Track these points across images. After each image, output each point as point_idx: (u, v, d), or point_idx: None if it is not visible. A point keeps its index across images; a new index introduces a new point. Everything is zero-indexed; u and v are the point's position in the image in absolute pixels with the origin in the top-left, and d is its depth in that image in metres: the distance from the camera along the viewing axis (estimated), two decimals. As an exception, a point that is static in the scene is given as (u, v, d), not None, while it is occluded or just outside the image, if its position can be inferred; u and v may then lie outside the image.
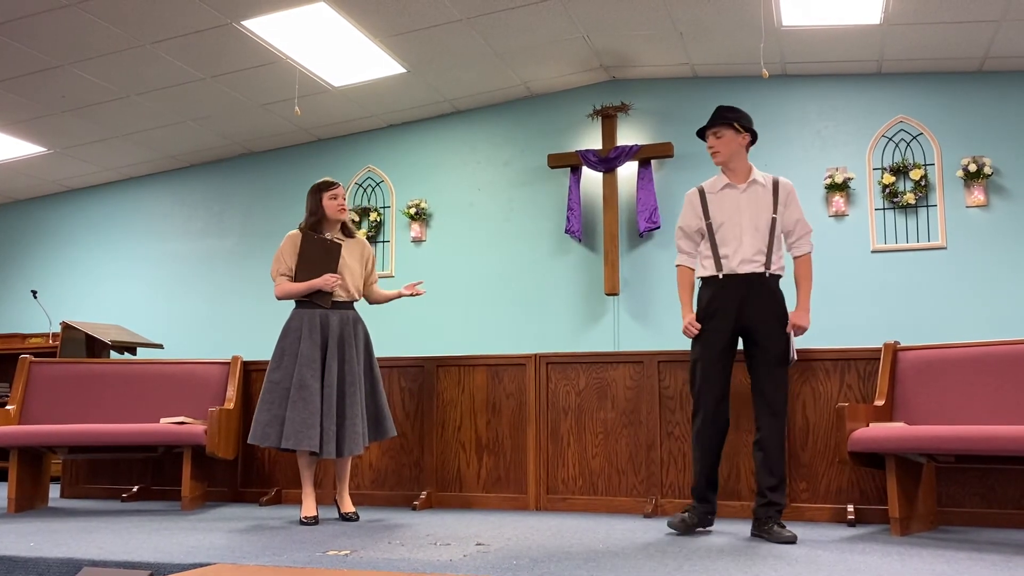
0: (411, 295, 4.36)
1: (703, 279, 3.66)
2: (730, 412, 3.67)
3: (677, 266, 3.77)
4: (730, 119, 3.64)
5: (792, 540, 3.33)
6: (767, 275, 3.56)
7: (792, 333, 3.58)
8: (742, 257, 3.55)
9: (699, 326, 3.60)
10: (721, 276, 3.57)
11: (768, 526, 3.43)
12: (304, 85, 6.64)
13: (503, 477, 4.56)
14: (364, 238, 4.74)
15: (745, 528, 3.69)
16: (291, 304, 4.18)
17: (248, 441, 4.04)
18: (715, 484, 3.66)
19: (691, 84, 6.89)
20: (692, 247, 3.71)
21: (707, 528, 3.65)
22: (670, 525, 3.62)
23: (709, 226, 3.63)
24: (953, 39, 5.91)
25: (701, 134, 3.73)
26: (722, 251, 3.58)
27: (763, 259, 3.55)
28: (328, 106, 7.15)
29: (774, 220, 3.59)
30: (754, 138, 3.71)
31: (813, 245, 3.68)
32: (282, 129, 7.57)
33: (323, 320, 4.07)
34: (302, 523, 3.90)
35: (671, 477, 4.28)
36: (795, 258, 3.67)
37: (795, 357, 3.63)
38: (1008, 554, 3.03)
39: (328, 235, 4.17)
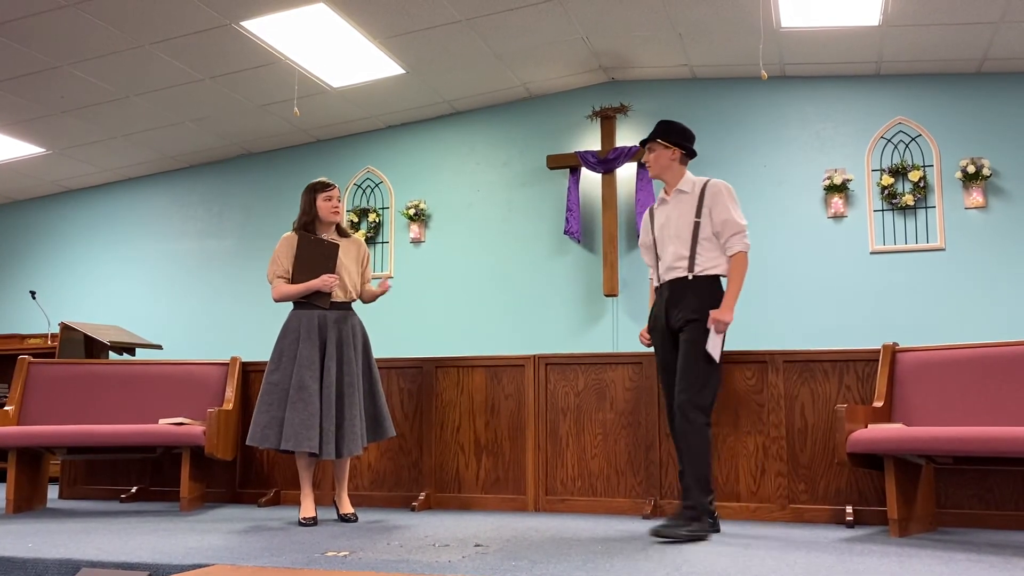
0: (382, 292, 4.27)
1: (655, 289, 3.87)
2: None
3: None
4: (656, 135, 3.75)
5: (674, 538, 3.31)
6: (690, 278, 3.63)
7: (713, 329, 3.54)
8: (667, 264, 3.71)
9: (649, 337, 3.86)
10: (658, 285, 3.77)
11: (670, 525, 3.40)
12: (303, 86, 6.64)
13: (502, 478, 4.56)
14: (361, 238, 4.71)
15: (745, 529, 3.69)
16: (289, 305, 4.17)
17: (247, 443, 4.03)
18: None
19: (690, 85, 6.89)
20: (653, 260, 3.89)
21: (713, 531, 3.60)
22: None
23: (653, 240, 3.83)
24: (952, 40, 5.91)
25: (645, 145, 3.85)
26: (659, 262, 3.77)
27: (685, 264, 3.64)
28: (327, 107, 7.15)
29: (697, 224, 3.65)
30: (688, 152, 3.76)
31: (748, 244, 3.64)
32: (281, 130, 7.57)
33: (321, 321, 4.06)
34: (301, 524, 3.89)
35: (670, 478, 4.27)
36: (729, 258, 3.66)
37: (716, 358, 3.54)
38: (1007, 555, 3.03)
39: (324, 236, 4.16)
